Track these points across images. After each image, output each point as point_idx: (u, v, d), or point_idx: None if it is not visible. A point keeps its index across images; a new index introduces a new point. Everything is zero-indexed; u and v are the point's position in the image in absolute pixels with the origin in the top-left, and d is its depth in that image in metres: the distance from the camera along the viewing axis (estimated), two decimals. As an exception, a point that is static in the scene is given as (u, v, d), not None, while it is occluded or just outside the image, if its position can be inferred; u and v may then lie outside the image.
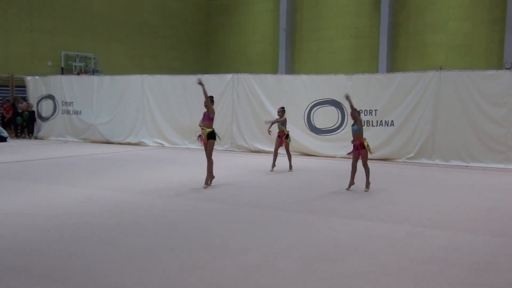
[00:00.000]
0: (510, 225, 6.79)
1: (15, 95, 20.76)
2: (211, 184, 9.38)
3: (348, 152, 9.68)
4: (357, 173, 9.36)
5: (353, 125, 9.48)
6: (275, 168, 11.58)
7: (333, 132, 14.44)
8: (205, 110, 9.48)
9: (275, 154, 11.85)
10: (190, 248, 5.51)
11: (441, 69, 13.53)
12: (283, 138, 11.74)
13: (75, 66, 23.18)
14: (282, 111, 11.88)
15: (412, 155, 13.48)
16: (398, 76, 14.00)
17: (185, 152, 15.44)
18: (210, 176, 9.36)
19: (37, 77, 20.26)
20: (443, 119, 13.14)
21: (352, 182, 9.34)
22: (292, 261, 5.11)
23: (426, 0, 25.19)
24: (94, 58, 24.13)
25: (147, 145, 17.24)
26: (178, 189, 9.14)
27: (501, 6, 23.43)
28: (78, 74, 22.02)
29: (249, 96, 15.72)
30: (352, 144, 9.39)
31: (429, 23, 25.12)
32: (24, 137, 20.06)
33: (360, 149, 9.21)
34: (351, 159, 9.46)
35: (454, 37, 24.63)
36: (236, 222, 6.80)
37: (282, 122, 11.80)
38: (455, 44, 24.59)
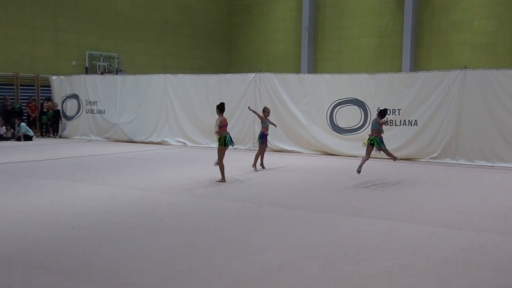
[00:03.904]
0: (537, 227, 6.67)
1: (47, 96, 21.09)
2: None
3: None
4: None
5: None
6: (295, 168, 11.55)
7: (356, 131, 14.35)
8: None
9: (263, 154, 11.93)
10: (212, 247, 5.54)
11: (465, 68, 13.34)
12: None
13: (99, 65, 23.50)
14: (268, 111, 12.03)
15: (436, 154, 13.33)
16: (422, 75, 13.84)
17: (207, 151, 15.50)
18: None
19: (62, 77, 20.62)
20: (468, 119, 12.95)
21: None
22: (314, 260, 5.10)
23: (450, -1, 24.87)
24: (117, 58, 24.43)
25: (169, 144, 17.38)
26: (200, 188, 9.20)
27: (528, 4, 22.99)
28: (102, 73, 22.31)
29: (272, 96, 15.71)
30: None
31: (453, 21, 24.78)
32: (49, 136, 20.41)
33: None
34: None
35: (479, 36, 24.24)
36: (258, 221, 6.81)
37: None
38: (479, 43, 24.21)
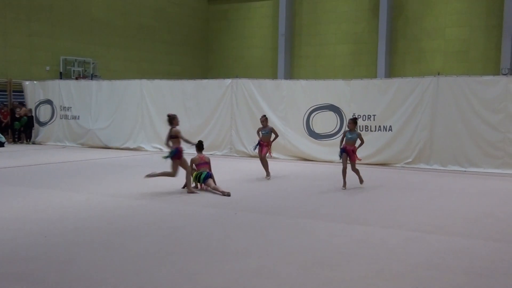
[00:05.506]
0: (507, 230, 6.81)
1: (13, 101, 20.72)
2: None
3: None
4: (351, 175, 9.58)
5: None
6: (272, 174, 11.46)
7: (332, 137, 14.44)
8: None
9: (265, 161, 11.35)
10: (189, 253, 5.52)
11: (438, 74, 13.59)
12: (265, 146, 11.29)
13: (74, 70, 23.21)
14: (265, 120, 11.47)
15: (410, 160, 13.51)
16: (396, 82, 14.05)
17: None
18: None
19: (35, 82, 20.28)
20: (441, 124, 13.18)
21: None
22: (291, 266, 5.12)
23: (423, 7, 25.34)
24: (92, 63, 24.17)
25: (145, 150, 17.24)
26: (176, 194, 9.15)
27: (498, 13, 23.60)
28: (76, 78, 22.03)
29: (248, 101, 15.74)
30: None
31: (426, 29, 25.26)
32: (22, 142, 20.04)
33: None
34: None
35: (452, 43, 24.77)
36: (235, 227, 6.80)
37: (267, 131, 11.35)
38: (452, 50, 24.73)
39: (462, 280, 4.78)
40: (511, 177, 11.93)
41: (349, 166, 10.00)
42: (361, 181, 10.20)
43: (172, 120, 9.41)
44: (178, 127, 9.46)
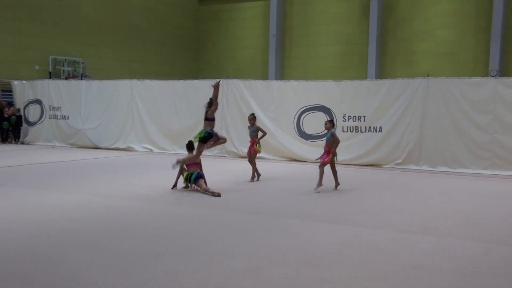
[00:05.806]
0: (495, 231, 6.85)
1: (1, 101, 20.55)
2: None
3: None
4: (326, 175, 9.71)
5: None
6: (262, 175, 11.40)
7: (322, 138, 14.36)
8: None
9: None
10: (177, 254, 5.50)
11: (428, 76, 13.67)
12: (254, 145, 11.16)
13: (63, 70, 23.09)
14: (253, 118, 11.30)
15: (400, 161, 13.57)
16: (386, 83, 14.11)
17: (174, 158, 15.36)
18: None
19: (24, 82, 20.12)
20: (430, 126, 13.26)
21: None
22: (279, 267, 5.12)
23: (413, 9, 25.50)
24: (82, 63, 24.06)
25: (135, 151, 17.17)
26: (166, 195, 9.13)
27: (487, 16, 23.82)
28: (66, 78, 21.91)
29: (239, 102, 15.73)
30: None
31: (416, 30, 25.43)
32: (10, 142, 19.88)
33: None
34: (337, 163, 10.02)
35: (441, 45, 24.95)
36: (223, 227, 6.79)
37: (254, 130, 11.24)
38: (442, 52, 24.91)
39: (451, 281, 4.80)
40: (499, 178, 12.03)
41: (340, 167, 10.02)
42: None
43: (211, 104, 9.57)
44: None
